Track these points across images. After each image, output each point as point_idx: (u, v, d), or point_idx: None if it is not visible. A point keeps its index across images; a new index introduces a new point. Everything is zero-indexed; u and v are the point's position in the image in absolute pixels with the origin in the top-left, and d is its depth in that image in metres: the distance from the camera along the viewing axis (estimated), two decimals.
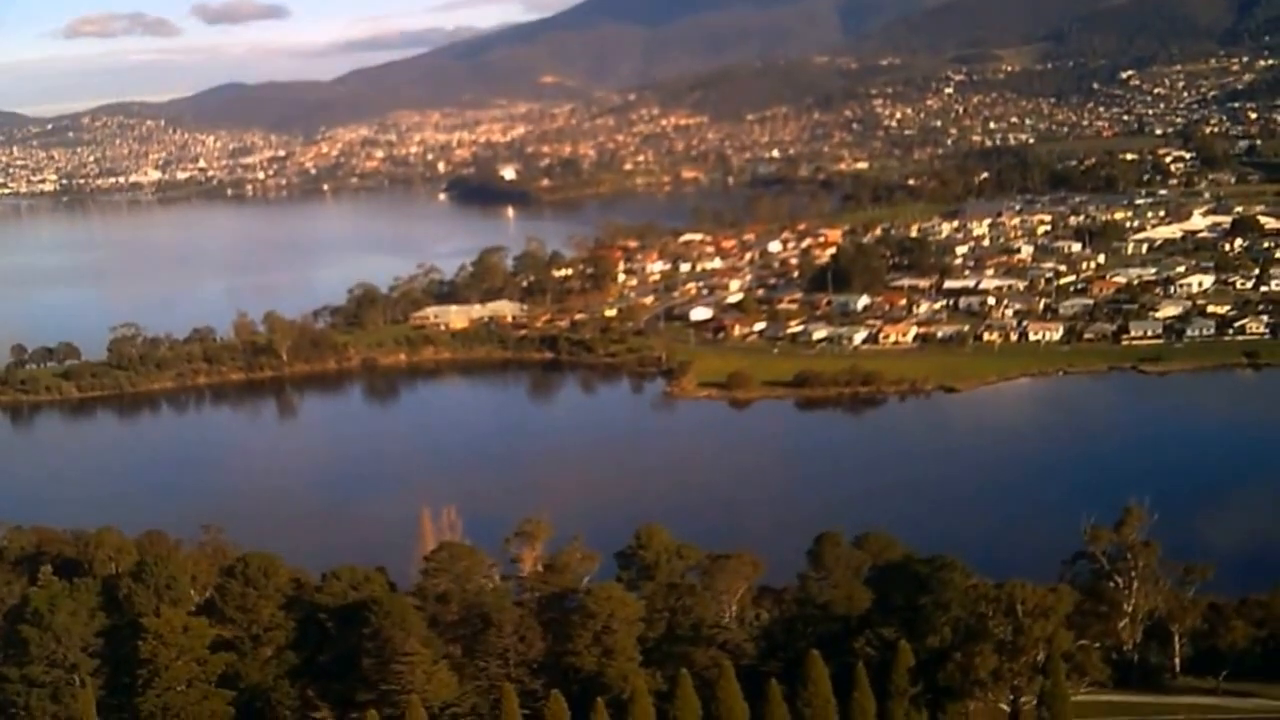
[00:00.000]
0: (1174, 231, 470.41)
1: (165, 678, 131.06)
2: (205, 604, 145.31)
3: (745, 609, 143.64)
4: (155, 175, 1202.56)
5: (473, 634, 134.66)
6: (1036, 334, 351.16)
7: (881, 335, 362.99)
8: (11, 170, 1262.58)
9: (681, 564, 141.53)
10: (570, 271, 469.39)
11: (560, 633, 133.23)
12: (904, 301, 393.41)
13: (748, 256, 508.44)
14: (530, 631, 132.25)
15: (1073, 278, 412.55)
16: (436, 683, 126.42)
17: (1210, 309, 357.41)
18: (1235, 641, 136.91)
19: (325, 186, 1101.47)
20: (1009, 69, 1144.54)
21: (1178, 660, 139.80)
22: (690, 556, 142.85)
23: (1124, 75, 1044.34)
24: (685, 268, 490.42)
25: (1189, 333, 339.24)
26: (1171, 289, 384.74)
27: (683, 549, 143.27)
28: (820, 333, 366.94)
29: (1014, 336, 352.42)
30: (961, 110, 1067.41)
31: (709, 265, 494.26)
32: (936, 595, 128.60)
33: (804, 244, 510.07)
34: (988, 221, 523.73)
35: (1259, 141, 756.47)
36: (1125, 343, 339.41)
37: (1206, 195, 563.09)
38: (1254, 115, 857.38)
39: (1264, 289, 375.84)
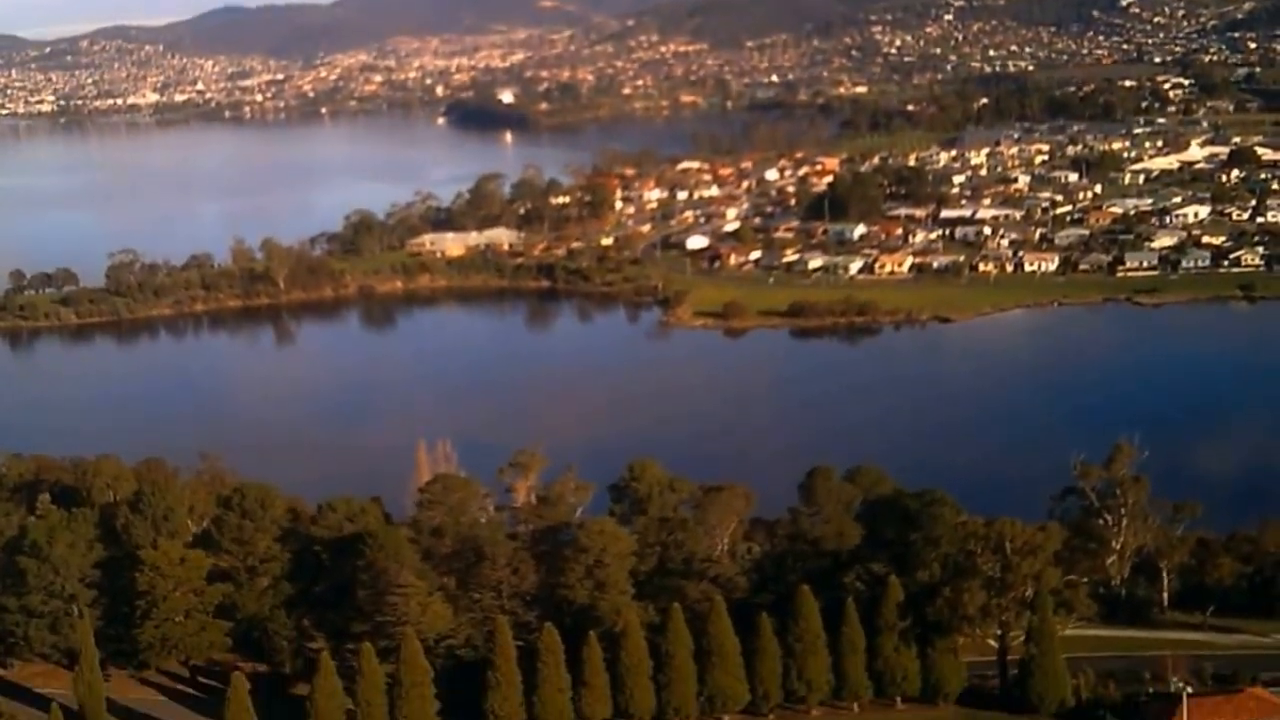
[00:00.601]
0: (1171, 162, 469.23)
1: (163, 609, 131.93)
2: (202, 534, 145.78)
3: (737, 542, 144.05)
4: (153, 98, 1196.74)
5: (466, 567, 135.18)
6: (1032, 264, 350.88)
7: (877, 265, 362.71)
8: (9, 92, 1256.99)
9: (674, 497, 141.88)
10: (567, 199, 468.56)
11: (553, 566, 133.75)
12: (900, 231, 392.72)
13: (745, 185, 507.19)
14: (523, 565, 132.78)
15: (1069, 208, 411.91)
16: (431, 614, 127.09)
17: (1206, 240, 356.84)
18: (1222, 578, 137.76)
19: (323, 110, 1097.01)
20: None
21: (1165, 595, 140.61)
22: (682, 490, 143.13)
23: (1124, 3, 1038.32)
24: (682, 196, 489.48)
25: (1184, 264, 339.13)
26: (1167, 220, 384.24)
27: (675, 482, 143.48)
28: (816, 262, 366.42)
29: (1009, 267, 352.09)
30: (961, 37, 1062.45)
31: (706, 193, 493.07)
32: (926, 531, 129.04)
33: (801, 172, 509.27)
34: (985, 150, 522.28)
35: (1258, 70, 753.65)
36: (1121, 274, 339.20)
37: (1204, 124, 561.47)
38: (1253, 44, 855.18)
39: (1260, 220, 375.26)
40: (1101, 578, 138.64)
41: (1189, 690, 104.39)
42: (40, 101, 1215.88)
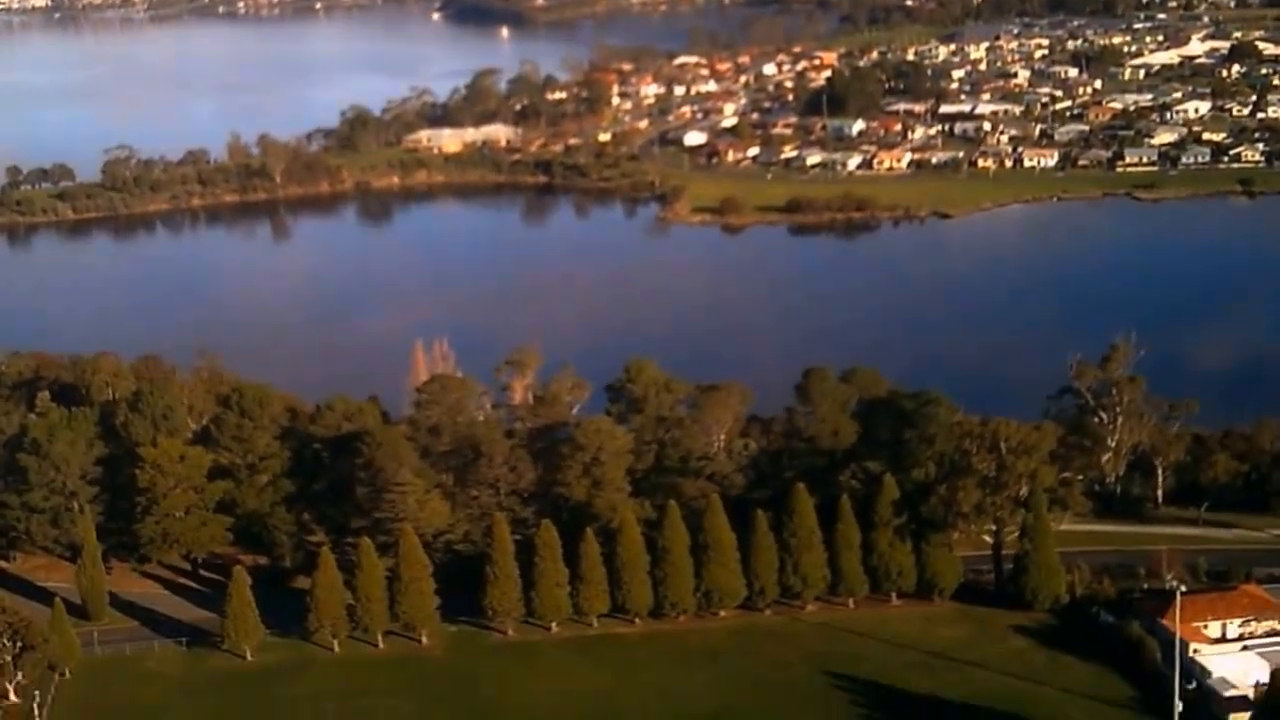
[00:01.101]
0: (1171, 57, 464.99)
1: (164, 505, 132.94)
2: (202, 432, 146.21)
3: (733, 439, 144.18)
4: None
5: (464, 464, 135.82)
6: (1031, 160, 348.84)
7: (876, 161, 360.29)
8: None
9: (670, 397, 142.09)
10: (564, 95, 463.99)
11: (550, 464, 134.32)
12: (899, 127, 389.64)
13: (742, 80, 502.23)
14: (521, 462, 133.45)
15: (1069, 103, 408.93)
16: (429, 511, 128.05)
17: (1206, 136, 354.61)
18: (1217, 476, 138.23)
19: (318, 4, 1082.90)
20: None
21: (1160, 492, 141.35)
22: (679, 390, 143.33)
23: None
24: (680, 91, 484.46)
25: (1184, 160, 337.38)
26: (1168, 115, 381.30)
27: (671, 383, 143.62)
28: (814, 158, 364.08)
29: (1009, 163, 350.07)
30: None
31: (703, 89, 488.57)
32: (921, 430, 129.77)
33: (799, 67, 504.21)
34: (985, 45, 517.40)
35: None
36: (1120, 169, 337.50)
37: (1205, 19, 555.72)
38: None
39: (1260, 116, 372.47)
40: (1097, 475, 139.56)
41: (1182, 588, 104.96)
42: None
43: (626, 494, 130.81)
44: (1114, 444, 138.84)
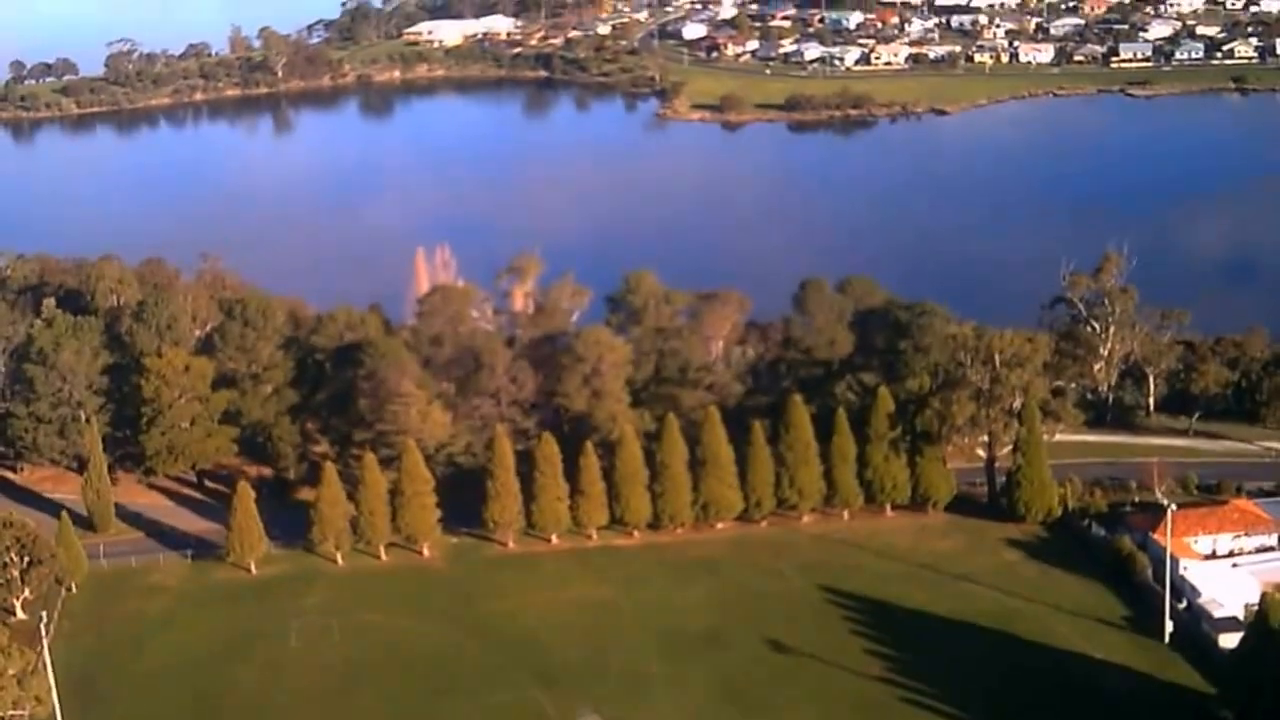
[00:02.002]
0: None
1: (168, 416, 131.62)
2: (206, 340, 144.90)
3: (731, 347, 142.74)
4: None
5: (465, 374, 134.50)
6: (1027, 55, 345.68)
7: (873, 55, 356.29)
8: None
9: (669, 309, 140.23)
10: None
11: (550, 374, 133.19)
12: (896, 19, 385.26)
13: None
14: (522, 373, 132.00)
15: None
16: (431, 423, 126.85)
17: (1200, 31, 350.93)
18: (1207, 386, 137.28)
19: None
20: None
21: (1152, 400, 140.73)
22: (678, 301, 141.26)
23: None
24: None
25: (1178, 55, 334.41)
26: (1162, 8, 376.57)
27: (670, 294, 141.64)
28: (813, 53, 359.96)
29: (1005, 57, 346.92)
30: None
31: None
32: (916, 340, 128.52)
33: None
34: None
35: None
36: (1115, 65, 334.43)
37: None
38: None
39: (1254, 9, 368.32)
40: (1089, 384, 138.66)
41: (1174, 506, 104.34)
42: None
43: (626, 405, 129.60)
44: (1106, 353, 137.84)
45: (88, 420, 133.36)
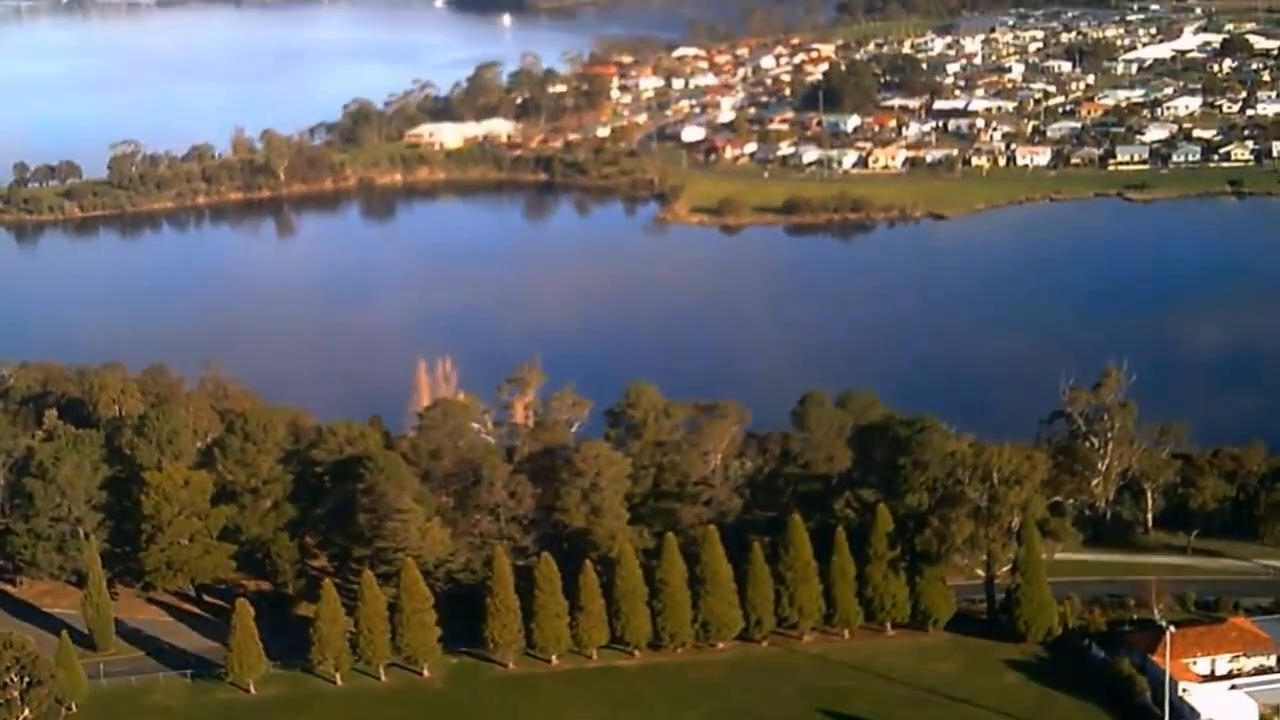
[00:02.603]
0: (1164, 51, 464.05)
1: (168, 533, 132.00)
2: (206, 450, 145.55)
3: (730, 459, 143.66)
4: None
5: (465, 488, 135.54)
6: (1024, 158, 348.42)
7: (871, 158, 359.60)
8: None
9: (669, 423, 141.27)
10: (564, 89, 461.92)
11: (549, 488, 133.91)
12: (894, 123, 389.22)
13: (740, 73, 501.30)
14: (520, 487, 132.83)
15: (1061, 99, 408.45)
16: (430, 539, 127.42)
17: (1196, 133, 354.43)
18: (1205, 502, 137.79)
19: None
20: None
21: (1150, 515, 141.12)
22: (677, 415, 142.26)
23: None
24: (678, 84, 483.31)
25: (1175, 158, 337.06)
26: (1159, 112, 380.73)
27: (670, 407, 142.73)
28: (811, 155, 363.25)
29: (1002, 161, 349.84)
30: None
31: (702, 82, 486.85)
32: (915, 455, 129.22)
33: (797, 60, 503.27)
34: (980, 37, 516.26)
35: None
36: (1112, 167, 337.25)
37: (1198, 11, 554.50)
38: None
39: (1250, 113, 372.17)
40: (1087, 500, 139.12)
41: (1172, 627, 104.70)
42: None
43: (625, 520, 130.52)
44: (1104, 469, 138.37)
45: (87, 536, 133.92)
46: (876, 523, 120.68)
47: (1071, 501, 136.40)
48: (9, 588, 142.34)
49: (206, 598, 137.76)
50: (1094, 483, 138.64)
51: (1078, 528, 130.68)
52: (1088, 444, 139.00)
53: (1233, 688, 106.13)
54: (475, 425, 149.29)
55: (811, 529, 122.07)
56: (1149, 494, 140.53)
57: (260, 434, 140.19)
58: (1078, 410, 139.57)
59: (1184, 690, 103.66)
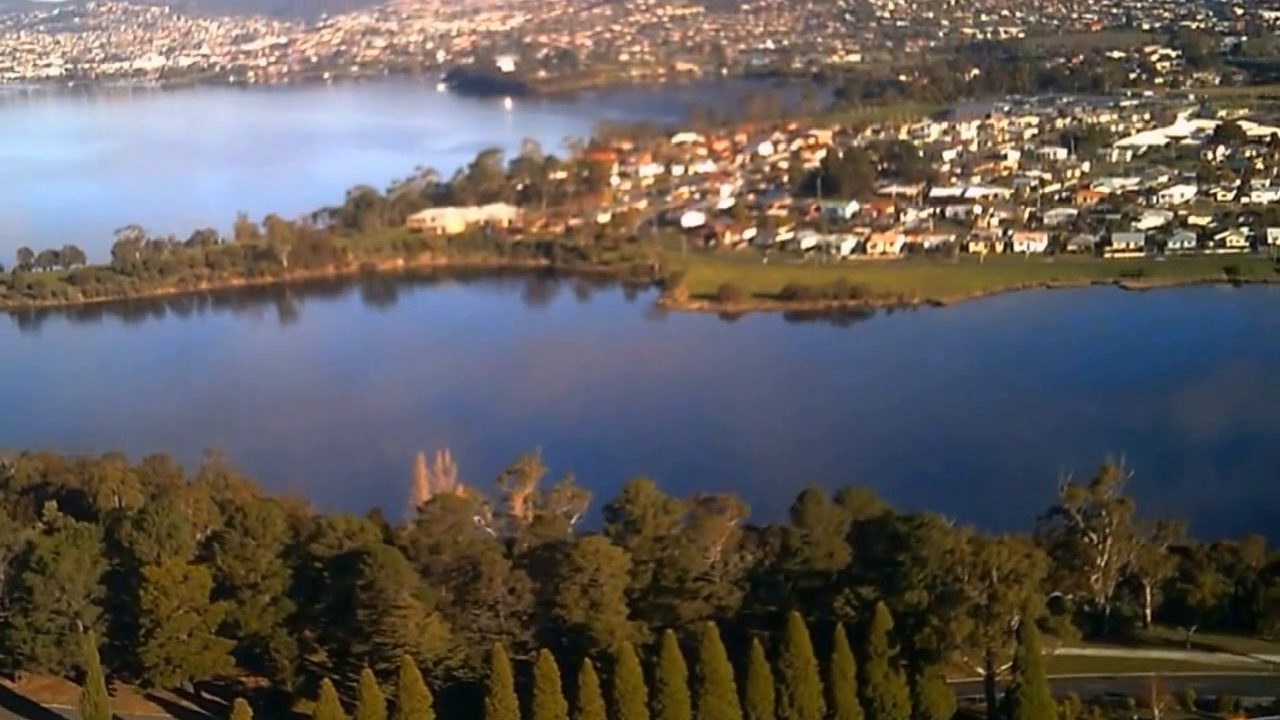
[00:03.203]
0: (1158, 138, 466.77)
1: (166, 628, 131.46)
2: (206, 541, 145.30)
3: (729, 553, 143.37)
4: (159, 61, 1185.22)
5: (464, 583, 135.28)
6: (1021, 244, 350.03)
7: (869, 244, 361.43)
8: (18, 55, 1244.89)
9: (668, 519, 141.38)
10: (565, 175, 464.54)
11: (549, 583, 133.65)
12: (891, 209, 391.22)
13: (739, 159, 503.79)
14: (520, 584, 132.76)
15: (1057, 186, 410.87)
16: (429, 636, 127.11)
17: (1192, 220, 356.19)
18: (1204, 598, 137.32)
19: (326, 75, 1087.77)
20: None
21: (1149, 610, 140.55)
22: (676, 511, 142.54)
23: None
24: (678, 170, 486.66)
25: (1170, 245, 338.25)
26: (1154, 199, 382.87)
27: (669, 504, 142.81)
28: (809, 241, 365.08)
29: (999, 247, 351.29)
30: (954, 2, 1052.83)
31: (701, 168, 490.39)
32: (915, 551, 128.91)
33: (795, 145, 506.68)
34: (976, 124, 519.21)
35: (1244, 39, 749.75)
36: (1108, 254, 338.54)
37: (1191, 97, 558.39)
38: (1240, 10, 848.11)
39: (1244, 200, 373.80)
40: (1086, 595, 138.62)
41: None
42: (48, 65, 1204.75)
43: (624, 616, 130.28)
44: (1103, 564, 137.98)
45: (86, 630, 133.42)
46: (876, 621, 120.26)
47: (1071, 597, 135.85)
48: (8, 682, 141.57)
49: (205, 694, 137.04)
50: (1094, 579, 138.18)
51: (1077, 623, 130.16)
52: (1087, 539, 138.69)
53: None
54: (475, 517, 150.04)
55: (811, 623, 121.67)
56: (1148, 589, 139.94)
57: (260, 528, 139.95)
58: (1076, 507, 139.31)
59: None
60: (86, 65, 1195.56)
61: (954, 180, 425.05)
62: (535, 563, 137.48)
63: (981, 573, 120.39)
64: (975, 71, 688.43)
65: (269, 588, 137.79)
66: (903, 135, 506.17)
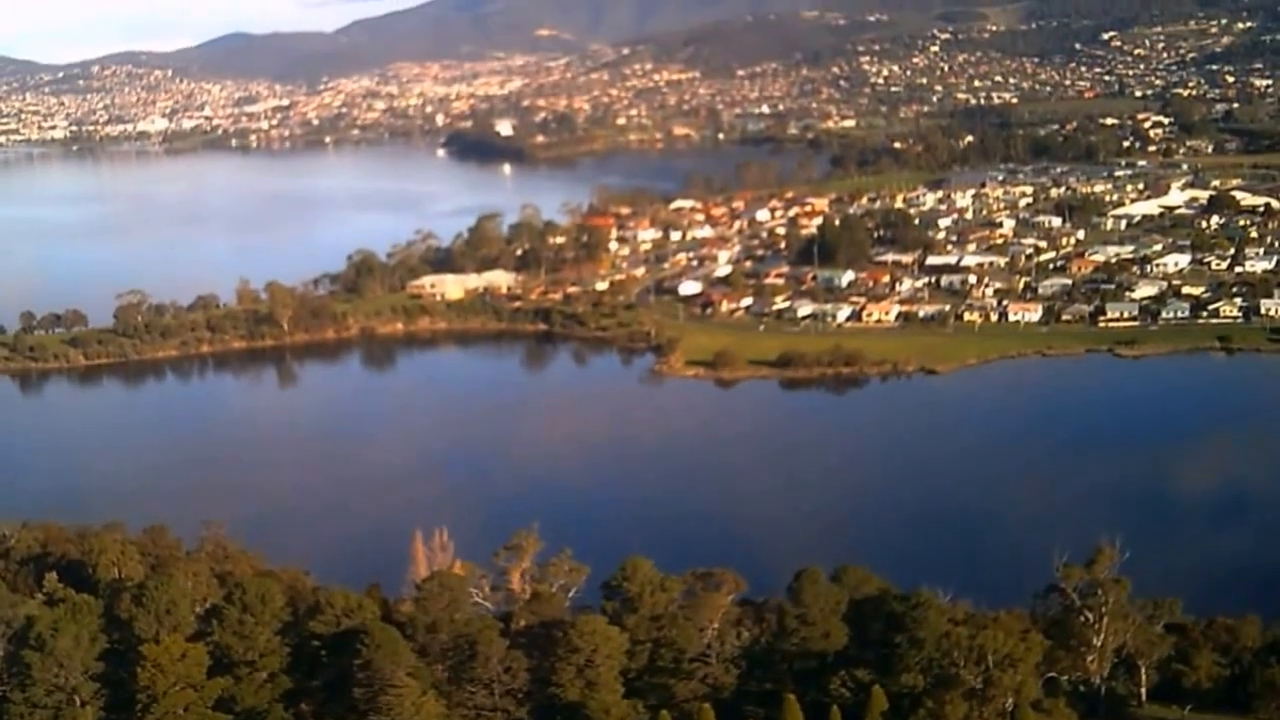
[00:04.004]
0: (1152, 207, 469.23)
1: (163, 704, 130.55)
2: (204, 616, 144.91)
3: (726, 629, 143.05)
4: (162, 124, 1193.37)
5: (460, 661, 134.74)
6: (1016, 314, 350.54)
7: (865, 313, 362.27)
8: (24, 116, 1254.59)
9: (664, 597, 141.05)
10: (564, 239, 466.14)
11: (545, 661, 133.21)
12: (887, 278, 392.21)
13: (736, 226, 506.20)
14: (515, 663, 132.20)
15: (1052, 255, 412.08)
16: (425, 713, 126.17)
17: (1185, 290, 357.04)
18: (1200, 680, 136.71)
19: (327, 139, 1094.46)
20: (994, 28, 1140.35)
21: (1144, 690, 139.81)
22: (673, 589, 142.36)
23: (1106, 36, 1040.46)
24: (675, 236, 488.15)
25: (1164, 314, 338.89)
26: (1148, 268, 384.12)
27: (665, 581, 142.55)
28: (805, 309, 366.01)
29: (994, 316, 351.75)
30: (947, 68, 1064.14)
31: (699, 233, 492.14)
32: (911, 633, 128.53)
33: (791, 213, 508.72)
34: (971, 192, 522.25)
35: (1235, 105, 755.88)
36: (1102, 324, 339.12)
37: (1184, 167, 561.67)
38: (1231, 79, 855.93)
39: (1238, 270, 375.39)
40: (1081, 675, 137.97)
41: None
42: (53, 127, 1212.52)
43: (620, 694, 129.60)
44: (1099, 644, 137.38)
45: (83, 705, 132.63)
46: (871, 703, 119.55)
47: (1066, 678, 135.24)
48: None
49: None
50: (1089, 658, 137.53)
51: (1072, 704, 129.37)
52: (1082, 619, 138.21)
53: None
54: (472, 590, 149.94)
55: (807, 703, 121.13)
56: (1143, 669, 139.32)
57: (258, 605, 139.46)
58: (1071, 586, 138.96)
59: None
60: (91, 128, 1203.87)
61: (949, 248, 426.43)
62: (532, 640, 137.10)
63: (977, 657, 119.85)
64: (969, 138, 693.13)
65: (266, 664, 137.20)
66: (898, 203, 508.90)
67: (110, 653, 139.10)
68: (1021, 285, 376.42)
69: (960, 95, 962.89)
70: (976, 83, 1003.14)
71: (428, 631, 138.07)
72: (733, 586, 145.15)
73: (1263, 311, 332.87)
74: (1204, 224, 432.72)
